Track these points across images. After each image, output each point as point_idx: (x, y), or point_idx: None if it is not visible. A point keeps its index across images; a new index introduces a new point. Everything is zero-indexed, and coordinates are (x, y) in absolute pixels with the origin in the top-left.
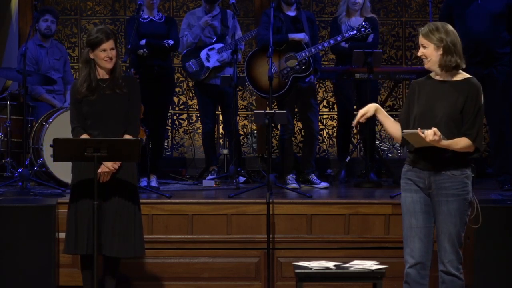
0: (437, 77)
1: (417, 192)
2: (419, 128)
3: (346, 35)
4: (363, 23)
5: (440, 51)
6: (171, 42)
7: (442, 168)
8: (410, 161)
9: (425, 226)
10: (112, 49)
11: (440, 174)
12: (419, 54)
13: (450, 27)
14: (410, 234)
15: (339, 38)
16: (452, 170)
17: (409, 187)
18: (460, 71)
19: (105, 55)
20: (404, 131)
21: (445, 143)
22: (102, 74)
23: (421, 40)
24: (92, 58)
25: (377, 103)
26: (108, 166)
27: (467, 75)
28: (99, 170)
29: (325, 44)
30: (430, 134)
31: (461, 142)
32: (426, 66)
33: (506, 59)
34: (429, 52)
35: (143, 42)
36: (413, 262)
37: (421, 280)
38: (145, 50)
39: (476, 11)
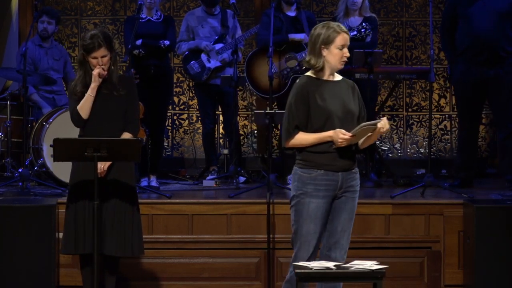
0: (330, 78)
1: (324, 197)
2: (381, 119)
3: None
4: (363, 24)
5: None
6: (167, 42)
7: (352, 166)
8: (318, 164)
9: (320, 231)
10: (103, 56)
11: (350, 172)
12: (347, 55)
13: None
14: (306, 240)
15: None
16: (356, 168)
17: (317, 193)
18: None
19: (96, 62)
20: (364, 123)
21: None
22: None
23: (348, 40)
24: (87, 60)
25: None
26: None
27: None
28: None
29: None
30: (387, 122)
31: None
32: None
33: None
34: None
35: (139, 42)
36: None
37: None
38: (140, 50)
39: (481, 10)
